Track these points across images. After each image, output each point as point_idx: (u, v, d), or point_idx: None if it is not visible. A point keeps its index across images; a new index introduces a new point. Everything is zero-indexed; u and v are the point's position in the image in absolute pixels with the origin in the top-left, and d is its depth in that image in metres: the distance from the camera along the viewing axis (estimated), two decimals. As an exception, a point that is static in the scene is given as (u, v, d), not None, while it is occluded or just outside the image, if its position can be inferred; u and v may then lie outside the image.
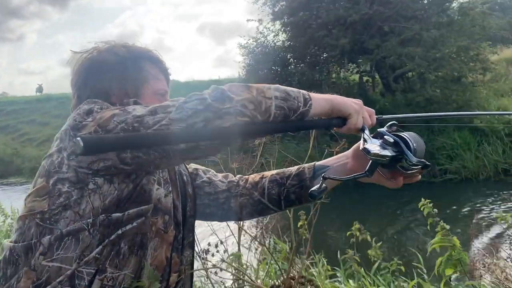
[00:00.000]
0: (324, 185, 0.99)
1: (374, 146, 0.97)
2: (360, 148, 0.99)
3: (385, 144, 0.97)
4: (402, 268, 2.85)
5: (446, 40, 13.12)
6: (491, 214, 8.63)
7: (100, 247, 0.91)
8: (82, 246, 0.90)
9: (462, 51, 13.32)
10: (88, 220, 0.91)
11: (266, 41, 15.54)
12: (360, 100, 1.06)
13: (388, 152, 0.95)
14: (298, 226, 2.91)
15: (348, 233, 2.97)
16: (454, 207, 9.67)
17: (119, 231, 0.93)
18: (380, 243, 2.97)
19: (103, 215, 0.91)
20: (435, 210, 2.37)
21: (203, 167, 1.32)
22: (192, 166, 1.30)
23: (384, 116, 1.14)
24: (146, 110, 0.89)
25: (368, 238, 2.80)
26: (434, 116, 1.43)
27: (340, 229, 7.95)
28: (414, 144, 0.96)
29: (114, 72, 1.10)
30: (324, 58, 13.93)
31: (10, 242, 0.95)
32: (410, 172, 0.98)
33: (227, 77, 30.85)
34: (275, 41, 15.61)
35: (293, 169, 1.24)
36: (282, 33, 15.75)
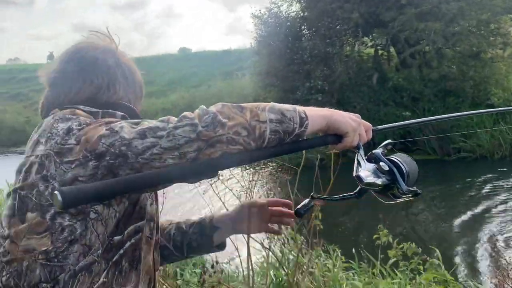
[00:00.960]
0: (312, 203, 1.00)
1: (367, 173, 0.94)
2: (354, 175, 0.95)
3: (379, 172, 0.94)
4: (421, 267, 2.76)
5: (466, 13, 12.60)
6: (506, 194, 8.46)
7: (105, 271, 0.89)
8: (93, 276, 0.87)
9: (482, 25, 12.82)
10: (98, 251, 0.87)
11: (279, 12, 15.10)
12: (358, 115, 1.01)
13: (381, 181, 0.93)
14: (313, 216, 2.82)
15: (375, 236, 2.85)
16: (468, 185, 9.51)
17: (121, 251, 0.91)
18: (397, 241, 2.83)
19: (106, 241, 0.89)
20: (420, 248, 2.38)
21: None
22: None
23: (380, 127, 1.13)
24: (135, 132, 0.83)
25: (390, 239, 2.71)
26: (431, 120, 1.43)
27: (353, 218, 7.82)
28: (408, 171, 0.95)
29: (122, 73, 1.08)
30: (338, 31, 13.47)
31: None
32: (401, 200, 0.96)
33: (238, 47, 30.52)
34: (288, 12, 15.17)
35: (196, 218, 1.27)
36: (296, 3, 15.28)
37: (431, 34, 12.11)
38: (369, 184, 0.93)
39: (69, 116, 0.92)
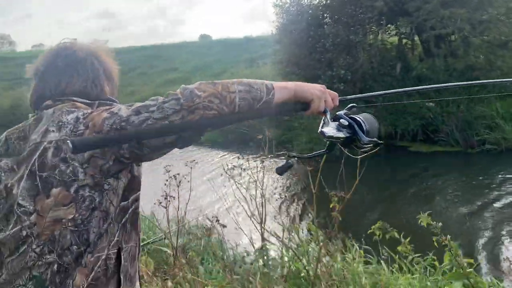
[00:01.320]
0: (290, 161, 1.14)
1: (329, 129, 1.11)
2: (318, 131, 1.12)
3: (340, 127, 1.11)
4: (436, 263, 2.73)
5: (494, 1, 12.22)
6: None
7: (118, 231, 1.11)
8: (109, 236, 1.09)
9: (511, 12, 12.41)
10: (112, 215, 1.09)
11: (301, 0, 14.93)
12: (323, 86, 1.17)
13: (342, 134, 1.10)
14: (331, 207, 2.80)
15: (369, 231, 2.78)
16: (491, 178, 9.33)
17: (126, 216, 1.13)
18: (408, 239, 2.79)
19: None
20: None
21: None
22: None
23: (348, 97, 1.26)
24: (131, 110, 1.03)
25: (396, 235, 2.65)
26: (397, 92, 1.45)
27: (372, 208, 7.79)
28: (367, 126, 1.10)
29: (89, 70, 1.24)
30: (361, 19, 13.23)
31: (43, 258, 1.03)
32: (363, 150, 1.12)
33: (260, 34, 30.39)
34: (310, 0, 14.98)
35: None
36: (318, -9, 15.08)
37: (458, 22, 11.79)
38: (331, 137, 1.09)
39: (73, 109, 1.11)
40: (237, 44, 29.63)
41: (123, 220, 1.12)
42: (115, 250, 1.11)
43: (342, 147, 1.15)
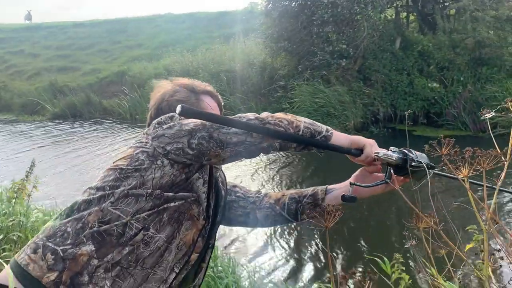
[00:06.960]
0: (355, 196, 1.32)
1: (384, 152, 1.28)
2: (373, 155, 1.29)
3: (392, 152, 1.28)
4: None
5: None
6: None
7: (149, 211, 1.21)
8: (138, 206, 1.21)
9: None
10: (148, 190, 1.21)
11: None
12: (373, 140, 1.34)
13: (395, 155, 1.26)
14: None
15: None
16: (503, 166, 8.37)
17: (165, 205, 1.23)
18: None
19: (159, 190, 1.22)
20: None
21: (241, 185, 1.66)
22: (231, 183, 1.62)
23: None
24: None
25: None
26: None
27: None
28: (416, 153, 1.26)
29: (184, 102, 1.47)
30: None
31: (91, 188, 1.27)
32: (417, 171, 1.25)
33: (235, 9, 28.54)
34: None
35: (309, 190, 1.56)
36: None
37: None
38: (385, 155, 1.26)
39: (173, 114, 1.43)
40: (209, 18, 27.66)
41: (161, 207, 1.22)
42: (139, 226, 1.19)
43: (396, 173, 1.29)
